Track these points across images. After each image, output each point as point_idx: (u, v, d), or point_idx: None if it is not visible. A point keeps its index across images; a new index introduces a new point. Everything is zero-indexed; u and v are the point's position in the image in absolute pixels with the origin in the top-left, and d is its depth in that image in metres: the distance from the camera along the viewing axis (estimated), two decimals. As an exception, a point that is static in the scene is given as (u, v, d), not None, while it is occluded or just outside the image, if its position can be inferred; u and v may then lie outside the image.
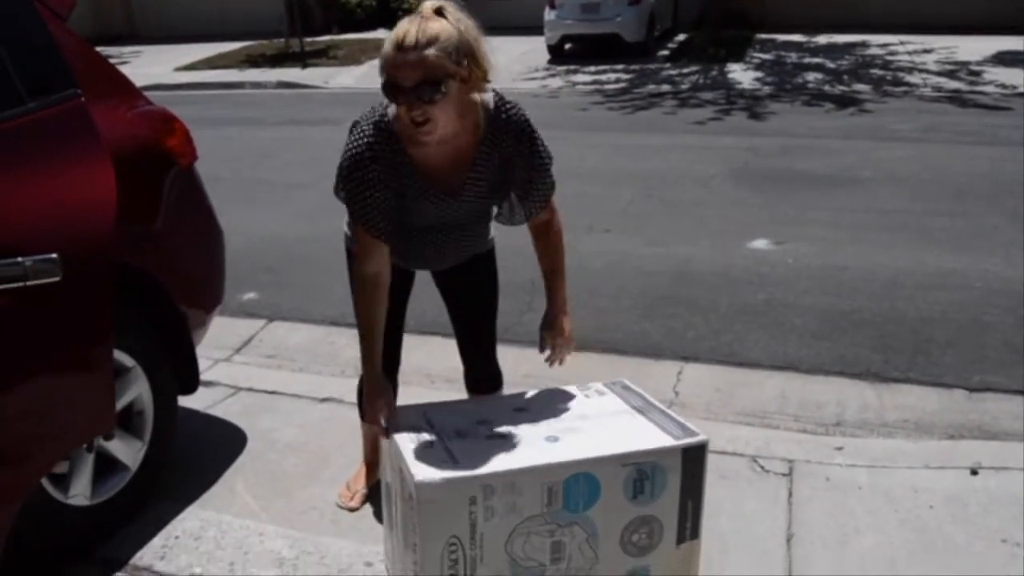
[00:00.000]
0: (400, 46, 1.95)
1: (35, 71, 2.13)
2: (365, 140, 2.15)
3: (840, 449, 2.96)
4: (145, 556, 2.47)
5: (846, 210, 5.92)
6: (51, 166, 2.17)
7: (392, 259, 2.27)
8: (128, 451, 2.66)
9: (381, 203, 2.16)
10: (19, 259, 1.94)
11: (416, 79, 1.95)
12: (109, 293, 2.27)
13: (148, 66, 15.76)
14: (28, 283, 1.97)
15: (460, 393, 2.75)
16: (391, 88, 2.01)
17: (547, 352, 2.47)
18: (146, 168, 2.79)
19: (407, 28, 1.96)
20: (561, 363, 2.49)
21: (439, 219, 2.30)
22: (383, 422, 2.18)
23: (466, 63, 1.99)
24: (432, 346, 3.78)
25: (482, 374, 2.67)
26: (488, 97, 2.17)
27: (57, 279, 2.00)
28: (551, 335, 2.45)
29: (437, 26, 1.96)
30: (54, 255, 1.97)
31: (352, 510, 2.69)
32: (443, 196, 2.23)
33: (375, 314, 2.22)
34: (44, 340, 2.16)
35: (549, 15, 13.97)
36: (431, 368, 3.65)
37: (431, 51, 1.94)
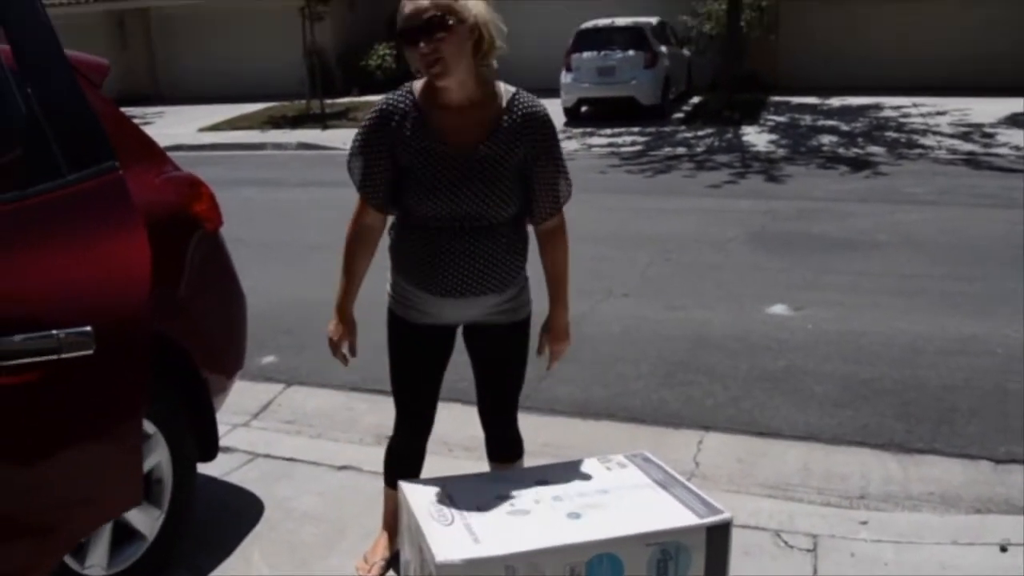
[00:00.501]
0: None
1: (75, 143, 2.17)
2: (384, 98, 2.35)
3: (865, 523, 2.91)
4: (161, 630, 2.44)
5: (864, 274, 5.91)
6: (88, 238, 2.18)
7: (422, 298, 2.35)
8: (146, 520, 2.64)
9: (382, 171, 2.33)
10: (53, 332, 1.95)
11: (422, 16, 2.12)
12: (142, 366, 2.26)
13: (172, 126, 16.08)
14: (62, 356, 1.98)
15: (479, 461, 2.73)
16: (404, 33, 2.17)
17: (544, 357, 2.55)
18: (173, 233, 2.82)
19: None
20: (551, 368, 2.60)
21: (455, 199, 2.26)
22: (345, 352, 2.51)
23: (474, 20, 2.16)
24: (453, 412, 3.75)
25: (504, 442, 2.66)
26: (508, 87, 2.33)
27: (90, 352, 2.01)
28: (550, 338, 2.54)
29: None
30: (88, 328, 1.98)
31: (368, 584, 2.65)
32: (455, 155, 2.25)
33: (356, 260, 2.48)
34: (76, 412, 2.15)
35: (565, 78, 14.19)
36: (450, 436, 3.63)
37: None
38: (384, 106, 2.32)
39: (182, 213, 2.91)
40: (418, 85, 2.32)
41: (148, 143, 3.01)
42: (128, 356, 2.23)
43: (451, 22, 2.13)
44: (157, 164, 2.99)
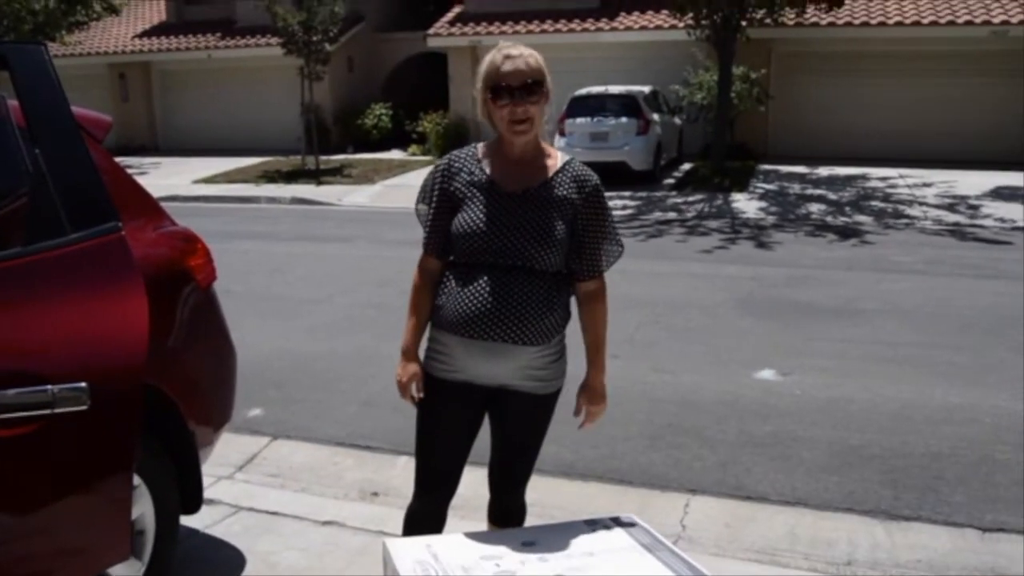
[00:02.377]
0: (508, 56, 2.31)
1: (79, 203, 2.20)
2: (452, 152, 2.50)
3: (852, 591, 2.89)
4: None
5: (851, 342, 5.96)
6: (87, 296, 2.20)
7: (455, 348, 2.37)
8: (127, 572, 2.60)
9: (443, 218, 2.42)
10: (47, 387, 1.96)
11: (523, 79, 2.29)
12: (135, 422, 2.26)
13: (168, 177, 16.20)
14: (55, 411, 1.98)
15: (479, 523, 2.69)
16: (498, 91, 2.31)
17: (581, 416, 2.59)
18: (166, 287, 2.84)
19: (507, 46, 2.35)
20: (588, 427, 2.63)
21: (498, 234, 2.31)
22: (413, 393, 2.45)
23: (550, 87, 2.36)
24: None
25: (510, 508, 2.65)
26: (563, 153, 2.52)
27: (84, 408, 2.01)
28: (586, 399, 2.57)
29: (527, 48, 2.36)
30: (83, 384, 1.99)
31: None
32: (505, 193, 2.36)
33: (421, 304, 2.48)
34: (68, 465, 2.15)
35: (559, 142, 14.39)
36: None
37: (533, 60, 2.32)
38: (450, 157, 2.48)
39: (176, 267, 2.93)
40: (481, 145, 2.48)
41: (145, 197, 3.05)
42: (121, 412, 2.22)
43: (544, 88, 2.33)
44: (154, 218, 3.03)
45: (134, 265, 2.26)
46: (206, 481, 3.17)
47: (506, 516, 2.63)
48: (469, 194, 2.39)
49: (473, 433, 2.54)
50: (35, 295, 2.11)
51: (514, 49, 2.33)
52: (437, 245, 2.46)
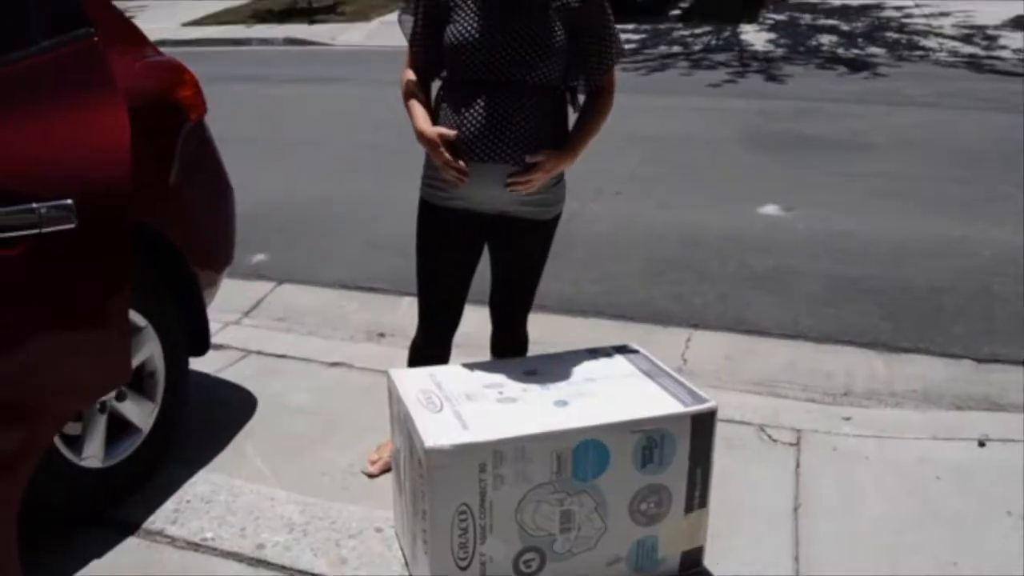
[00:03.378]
0: None
1: (49, 10, 2.07)
2: None
3: (848, 419, 2.97)
4: (157, 520, 2.49)
5: (857, 176, 5.87)
6: (65, 108, 2.09)
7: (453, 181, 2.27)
8: (140, 413, 2.65)
9: (429, 25, 2.31)
10: (33, 205, 1.89)
11: None
12: (125, 241, 2.21)
13: (154, 21, 15.57)
14: (43, 230, 1.93)
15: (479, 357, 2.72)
16: None
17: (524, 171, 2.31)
18: (156, 120, 2.70)
19: None
20: (518, 189, 2.31)
21: (494, 44, 2.21)
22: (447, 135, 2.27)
23: None
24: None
25: (513, 338, 2.67)
26: None
27: (72, 226, 1.95)
28: (535, 155, 2.28)
29: None
30: (69, 201, 1.92)
31: (370, 476, 2.68)
32: (500, 3, 2.22)
33: (414, 94, 2.38)
34: (60, 290, 2.11)
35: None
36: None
37: None
38: None
39: (165, 100, 2.78)
40: None
41: (128, 26, 2.87)
42: (110, 230, 2.16)
43: None
44: (138, 48, 2.87)
45: (111, 74, 2.15)
46: (214, 327, 3.19)
47: (508, 348, 2.66)
48: (461, 3, 2.26)
49: (473, 263, 2.52)
50: (9, 108, 2.01)
51: None
52: (423, 58, 2.37)
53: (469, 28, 2.23)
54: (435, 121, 2.34)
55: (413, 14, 2.36)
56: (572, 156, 2.38)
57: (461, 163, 2.26)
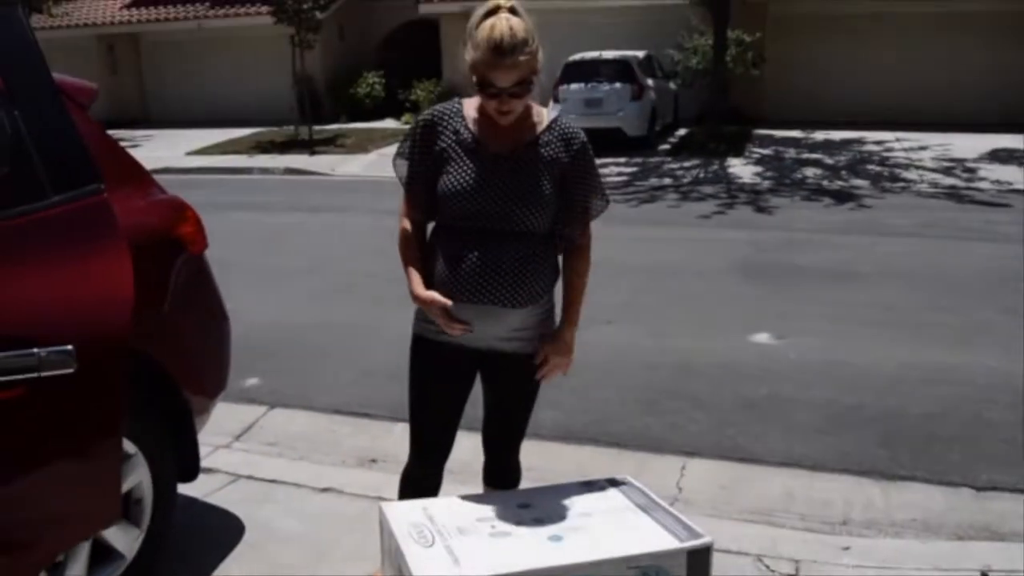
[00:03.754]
0: (499, 50, 2.15)
1: (61, 165, 2.18)
2: (433, 107, 2.42)
3: (847, 549, 2.92)
4: (138, 651, 2.41)
5: (847, 305, 5.96)
6: (71, 259, 2.19)
7: (447, 324, 2.31)
8: (125, 539, 2.61)
9: (424, 171, 2.37)
10: (34, 350, 1.95)
11: (512, 80, 2.19)
12: (122, 386, 2.27)
13: (160, 150, 16.08)
14: (42, 374, 1.97)
15: (475, 488, 2.70)
16: (486, 87, 2.21)
17: (542, 368, 2.45)
18: (157, 255, 2.82)
19: (500, 32, 2.15)
20: (547, 379, 2.49)
21: (485, 196, 2.27)
22: (442, 302, 2.30)
23: (539, 55, 2.22)
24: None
25: (506, 468, 2.65)
26: (550, 110, 2.43)
27: (71, 371, 2.00)
28: (553, 348, 2.44)
29: (521, 27, 2.18)
30: (69, 347, 1.98)
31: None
32: (490, 154, 2.30)
33: (411, 253, 2.42)
34: (55, 429, 2.14)
35: (553, 110, 14.27)
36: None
37: (524, 56, 2.17)
38: (432, 112, 2.40)
39: (167, 236, 2.91)
40: (466, 100, 2.40)
41: (134, 166, 3.02)
42: (108, 374, 2.22)
43: (531, 86, 2.23)
44: (143, 187, 3.00)
45: (118, 227, 2.24)
46: (204, 451, 3.17)
47: (501, 478, 2.64)
48: (454, 154, 2.34)
49: (465, 394, 2.53)
50: (17, 257, 2.08)
51: (506, 38, 2.14)
52: (418, 204, 2.42)
53: (461, 180, 2.30)
54: (430, 261, 2.40)
55: (408, 159, 2.43)
56: (573, 326, 2.49)
57: (460, 323, 2.32)
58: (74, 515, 2.25)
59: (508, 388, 2.53)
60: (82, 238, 2.20)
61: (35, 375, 1.94)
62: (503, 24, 2.16)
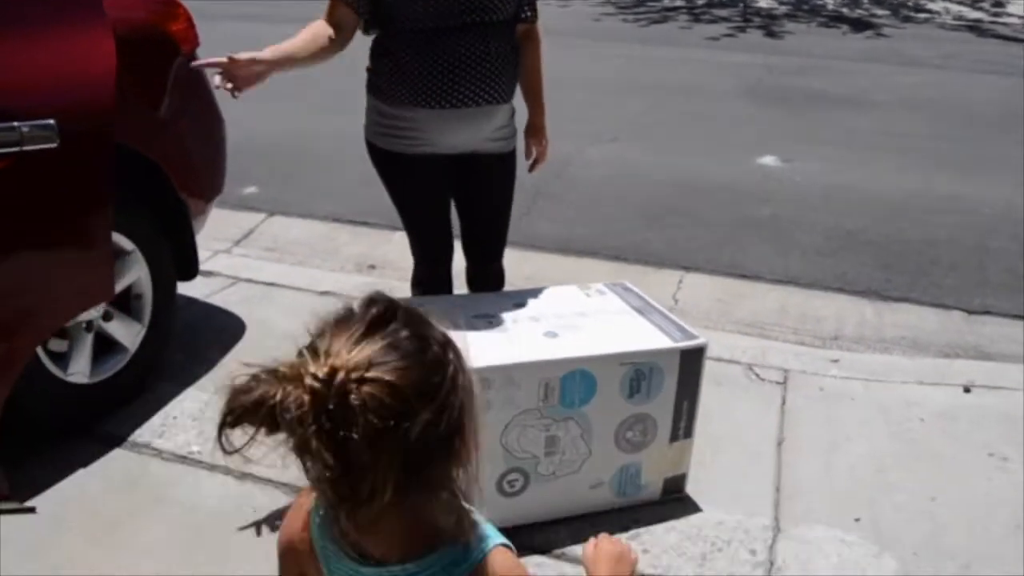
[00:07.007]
0: None
1: None
2: None
3: (836, 361, 2.97)
4: (144, 434, 2.50)
5: (858, 131, 5.83)
6: (52, 32, 2.11)
7: (420, 121, 2.24)
8: (127, 333, 2.67)
9: None
10: (15, 124, 1.91)
11: None
12: (108, 162, 2.23)
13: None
14: (24, 148, 1.94)
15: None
16: None
17: (531, 160, 2.61)
18: (148, 53, 2.72)
19: None
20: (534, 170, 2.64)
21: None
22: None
23: None
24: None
25: (488, 272, 2.65)
26: None
27: (54, 145, 1.97)
28: (535, 141, 2.59)
29: None
30: (51, 121, 1.94)
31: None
32: None
33: (296, 44, 2.26)
34: (42, 208, 2.13)
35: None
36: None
37: None
38: None
39: (158, 33, 2.79)
40: None
41: None
42: (93, 151, 2.19)
43: None
44: None
45: (100, 4, 2.17)
46: (204, 255, 3.18)
47: (488, 280, 2.65)
48: None
49: (450, 198, 2.51)
50: None
51: None
52: (361, 8, 2.22)
53: None
54: (389, 80, 2.26)
55: None
56: (543, 112, 2.57)
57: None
58: (67, 290, 2.28)
59: (491, 190, 2.52)
60: (62, 8, 2.11)
61: (17, 149, 1.91)
62: None
